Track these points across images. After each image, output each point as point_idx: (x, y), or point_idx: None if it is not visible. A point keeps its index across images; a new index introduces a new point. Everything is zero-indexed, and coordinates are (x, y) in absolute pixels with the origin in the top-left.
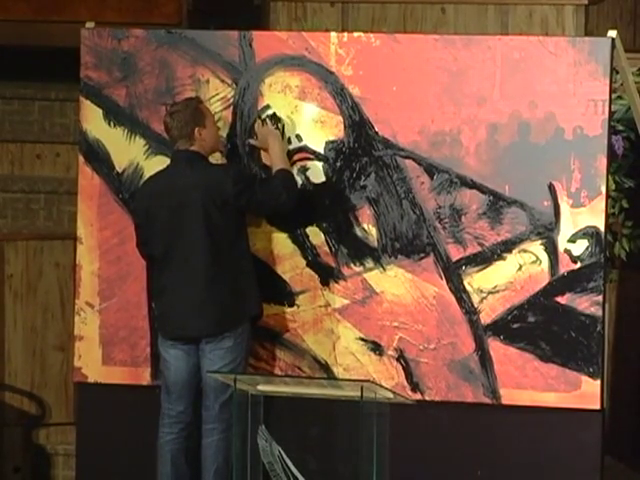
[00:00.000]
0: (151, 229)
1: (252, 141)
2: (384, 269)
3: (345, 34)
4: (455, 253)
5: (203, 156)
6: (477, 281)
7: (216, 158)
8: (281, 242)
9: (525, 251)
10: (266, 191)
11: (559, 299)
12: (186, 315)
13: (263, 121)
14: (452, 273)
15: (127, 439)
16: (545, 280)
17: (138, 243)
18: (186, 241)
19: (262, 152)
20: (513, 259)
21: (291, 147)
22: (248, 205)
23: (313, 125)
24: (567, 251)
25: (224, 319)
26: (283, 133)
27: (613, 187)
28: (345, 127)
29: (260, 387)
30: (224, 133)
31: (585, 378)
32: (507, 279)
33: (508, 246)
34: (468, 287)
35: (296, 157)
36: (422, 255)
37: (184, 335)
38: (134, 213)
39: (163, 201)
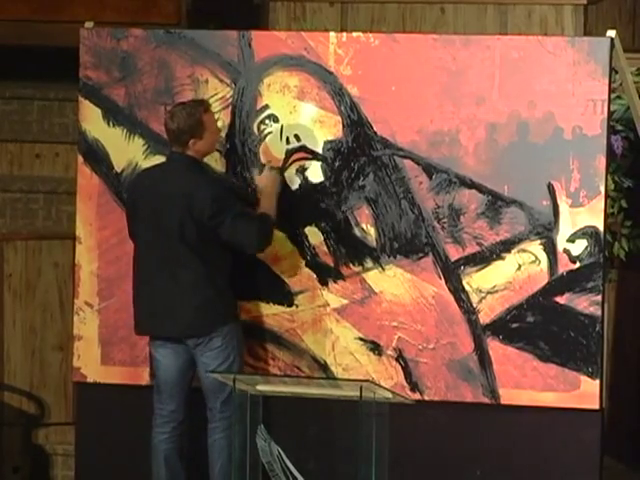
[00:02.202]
0: (135, 222)
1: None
2: (383, 269)
3: (344, 34)
4: (454, 253)
5: (197, 160)
6: (476, 281)
7: (215, 158)
8: (280, 242)
9: (524, 251)
10: (239, 229)
11: (558, 299)
12: (159, 314)
13: (271, 168)
14: (451, 273)
15: (127, 439)
16: (544, 280)
17: (129, 233)
18: (164, 240)
19: (261, 151)
20: (512, 259)
21: (289, 147)
22: (218, 231)
23: (312, 125)
24: (566, 251)
25: (199, 321)
26: (281, 133)
27: (612, 187)
28: (344, 127)
29: (259, 387)
30: (223, 133)
31: (584, 378)
32: (506, 279)
33: (507, 246)
34: (467, 287)
35: (294, 157)
36: (421, 255)
37: (155, 333)
38: (125, 203)
39: (149, 197)
